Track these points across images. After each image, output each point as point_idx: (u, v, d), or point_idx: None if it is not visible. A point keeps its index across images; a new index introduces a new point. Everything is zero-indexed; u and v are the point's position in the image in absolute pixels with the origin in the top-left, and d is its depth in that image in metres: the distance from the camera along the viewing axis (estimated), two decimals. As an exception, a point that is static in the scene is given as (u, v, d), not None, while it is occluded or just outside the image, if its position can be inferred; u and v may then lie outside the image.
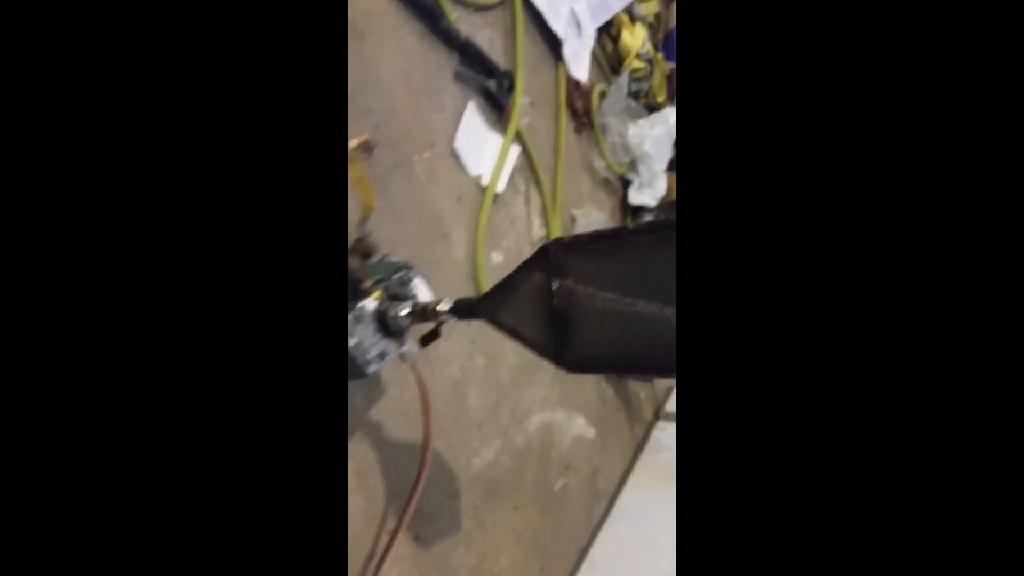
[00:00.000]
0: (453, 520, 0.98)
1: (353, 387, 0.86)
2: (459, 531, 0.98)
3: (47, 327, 0.28)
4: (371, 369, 0.54)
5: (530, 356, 1.15)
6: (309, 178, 0.31)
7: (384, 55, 0.97)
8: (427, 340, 0.58)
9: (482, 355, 1.06)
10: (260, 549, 0.29)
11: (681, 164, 0.30)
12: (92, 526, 0.28)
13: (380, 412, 0.89)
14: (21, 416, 0.27)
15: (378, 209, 0.95)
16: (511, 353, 1.11)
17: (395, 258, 0.63)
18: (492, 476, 1.04)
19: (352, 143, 0.90)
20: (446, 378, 1.00)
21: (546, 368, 1.22)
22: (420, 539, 0.91)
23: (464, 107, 1.08)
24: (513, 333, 0.43)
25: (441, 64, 1.06)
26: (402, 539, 0.88)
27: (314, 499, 0.30)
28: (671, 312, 0.33)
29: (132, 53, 0.29)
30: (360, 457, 0.86)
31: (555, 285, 0.41)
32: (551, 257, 0.41)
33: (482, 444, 1.04)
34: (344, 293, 0.47)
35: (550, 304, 0.41)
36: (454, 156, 1.07)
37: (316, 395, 0.31)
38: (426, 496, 0.94)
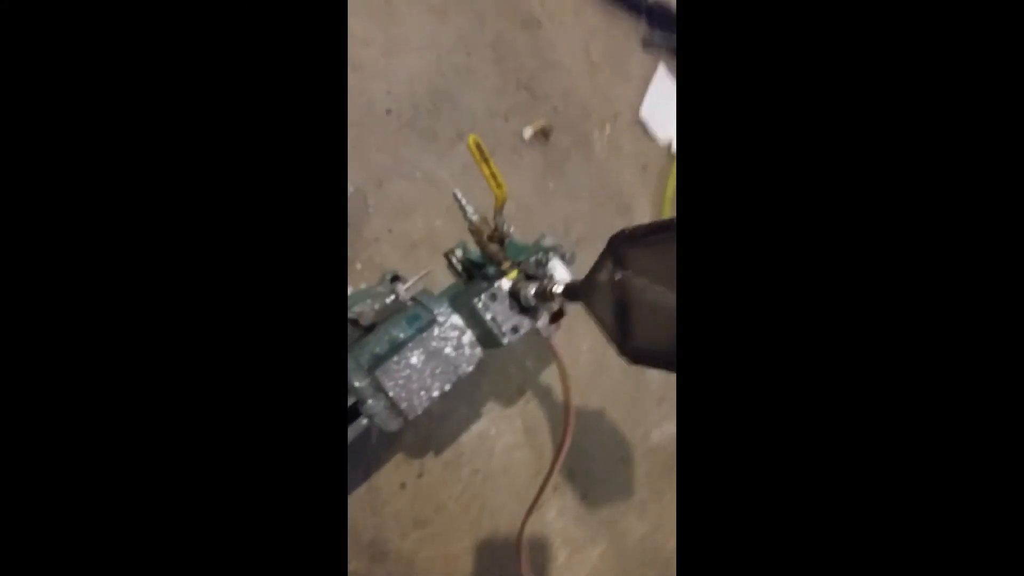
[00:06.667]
0: (624, 486, 1.01)
1: (525, 352, 0.95)
2: (631, 498, 1.01)
3: (41, 340, 0.28)
4: (505, 340, 0.61)
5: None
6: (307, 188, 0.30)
7: (562, 38, 1.00)
8: (555, 318, 0.63)
9: (664, 330, 1.05)
10: (259, 547, 0.29)
11: (681, 162, 0.29)
12: (87, 510, 0.28)
13: (549, 376, 0.97)
14: (18, 420, 0.27)
15: (552, 190, 1.00)
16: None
17: (519, 240, 0.70)
18: (672, 451, 1.04)
19: (527, 131, 0.96)
20: (624, 350, 1.02)
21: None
22: (588, 498, 0.97)
23: (652, 74, 1.04)
24: (599, 321, 0.44)
25: (626, 34, 1.04)
26: (569, 495, 0.95)
27: (314, 500, 0.30)
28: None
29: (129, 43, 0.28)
30: (529, 415, 0.95)
31: (617, 276, 0.41)
32: (615, 248, 0.41)
33: (662, 419, 1.04)
34: (344, 298, 0.49)
35: (615, 295, 0.41)
36: (640, 125, 1.05)
37: (316, 395, 0.30)
38: (596, 460, 1.00)
